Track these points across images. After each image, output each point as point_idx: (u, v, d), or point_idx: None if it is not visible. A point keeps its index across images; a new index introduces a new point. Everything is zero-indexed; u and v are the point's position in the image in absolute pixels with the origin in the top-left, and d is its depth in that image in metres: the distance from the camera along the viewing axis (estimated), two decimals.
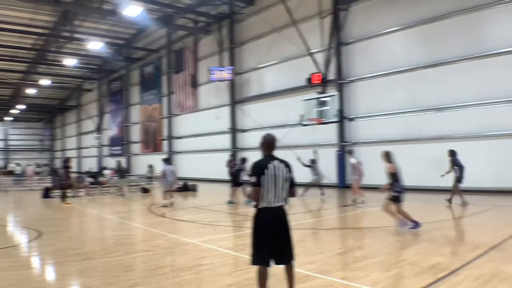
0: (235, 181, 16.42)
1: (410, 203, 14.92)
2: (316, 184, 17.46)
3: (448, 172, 12.55)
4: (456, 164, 12.57)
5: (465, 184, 17.42)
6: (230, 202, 15.76)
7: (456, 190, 13.12)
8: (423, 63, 19.37)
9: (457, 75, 18.22)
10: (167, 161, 16.94)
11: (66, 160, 18.93)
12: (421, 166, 18.57)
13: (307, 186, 17.41)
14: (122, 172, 22.09)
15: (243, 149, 28.87)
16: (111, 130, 48.06)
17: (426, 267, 6.17)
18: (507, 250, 7.16)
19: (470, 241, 7.98)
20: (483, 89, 17.39)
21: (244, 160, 16.55)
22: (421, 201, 15.49)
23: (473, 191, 16.98)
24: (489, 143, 16.99)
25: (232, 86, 29.46)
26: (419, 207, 13.84)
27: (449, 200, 13.22)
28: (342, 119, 21.60)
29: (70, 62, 38.74)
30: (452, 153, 12.93)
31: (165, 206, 14.99)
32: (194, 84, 32.37)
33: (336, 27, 21.43)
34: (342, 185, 21.70)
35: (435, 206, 14.15)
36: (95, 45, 34.40)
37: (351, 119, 22.41)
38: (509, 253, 6.88)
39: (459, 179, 12.76)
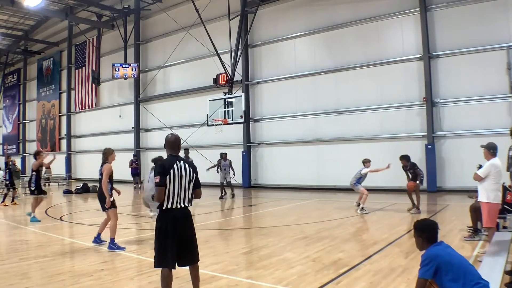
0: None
1: (310, 201, 14.87)
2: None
3: None
4: None
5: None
6: None
7: None
8: (326, 68, 19.11)
9: (358, 80, 18.14)
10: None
11: None
12: (322, 166, 18.42)
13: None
14: (16, 173, 19.56)
15: (147, 149, 26.97)
16: (6, 127, 43.03)
17: (328, 263, 6.15)
18: (403, 246, 7.23)
19: (369, 238, 7.99)
20: (382, 94, 17.42)
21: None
22: (323, 199, 15.09)
23: (371, 190, 16.98)
24: (387, 145, 16.99)
25: (137, 84, 27.18)
26: (319, 206, 13.48)
27: None
28: (248, 120, 20.72)
29: None
30: None
31: None
32: (96, 80, 29.41)
33: (244, 29, 20.54)
34: (247, 185, 20.94)
35: (337, 204, 13.71)
36: None
37: (257, 120, 21.61)
38: (404, 249, 6.93)
39: None
